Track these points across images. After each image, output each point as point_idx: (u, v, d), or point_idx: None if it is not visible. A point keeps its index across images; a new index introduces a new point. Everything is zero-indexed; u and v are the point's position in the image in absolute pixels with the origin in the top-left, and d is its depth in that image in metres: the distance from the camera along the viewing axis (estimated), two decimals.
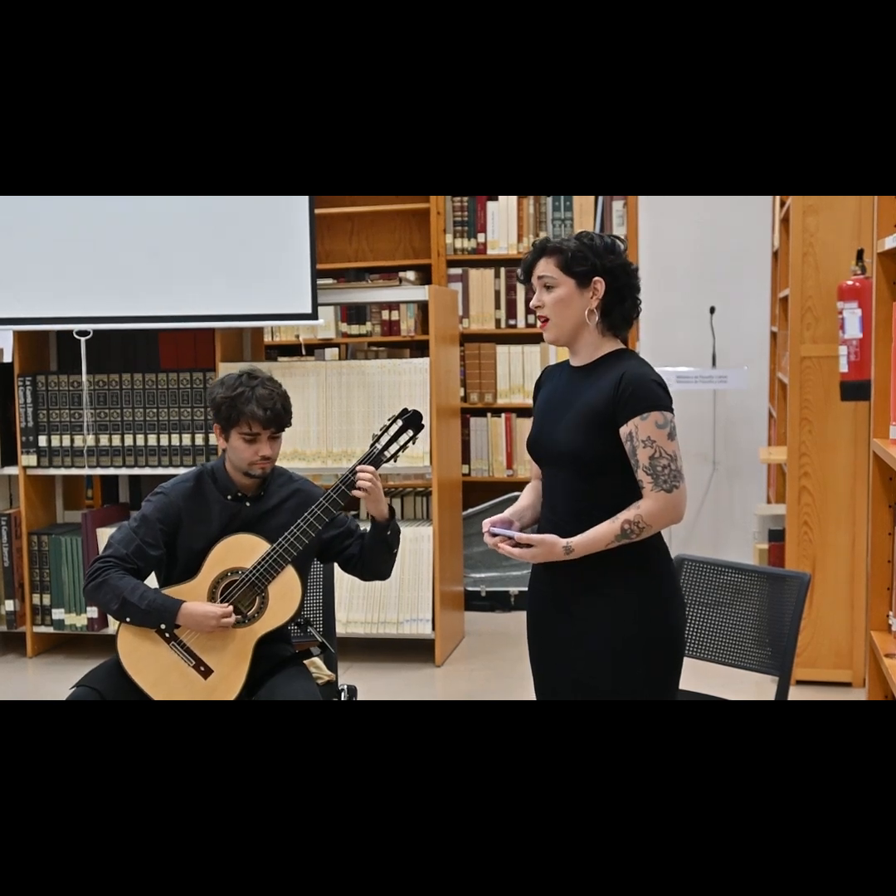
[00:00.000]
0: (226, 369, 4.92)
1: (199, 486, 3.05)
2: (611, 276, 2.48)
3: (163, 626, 2.93)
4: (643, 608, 2.47)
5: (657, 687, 2.49)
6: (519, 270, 2.60)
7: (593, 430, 2.44)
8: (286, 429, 3.06)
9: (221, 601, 2.95)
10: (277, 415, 2.99)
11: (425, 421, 3.11)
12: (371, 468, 2.99)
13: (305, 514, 2.96)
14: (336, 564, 3.22)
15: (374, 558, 3.12)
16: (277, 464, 3.11)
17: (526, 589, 2.71)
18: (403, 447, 3.05)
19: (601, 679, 2.46)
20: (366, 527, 3.14)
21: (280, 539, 2.94)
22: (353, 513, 5.01)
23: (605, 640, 2.46)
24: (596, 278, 2.48)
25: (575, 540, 2.42)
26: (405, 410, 3.06)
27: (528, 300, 5.92)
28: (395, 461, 3.07)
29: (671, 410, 2.45)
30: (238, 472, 3.04)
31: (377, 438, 3.04)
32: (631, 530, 2.41)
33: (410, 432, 3.05)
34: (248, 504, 3.05)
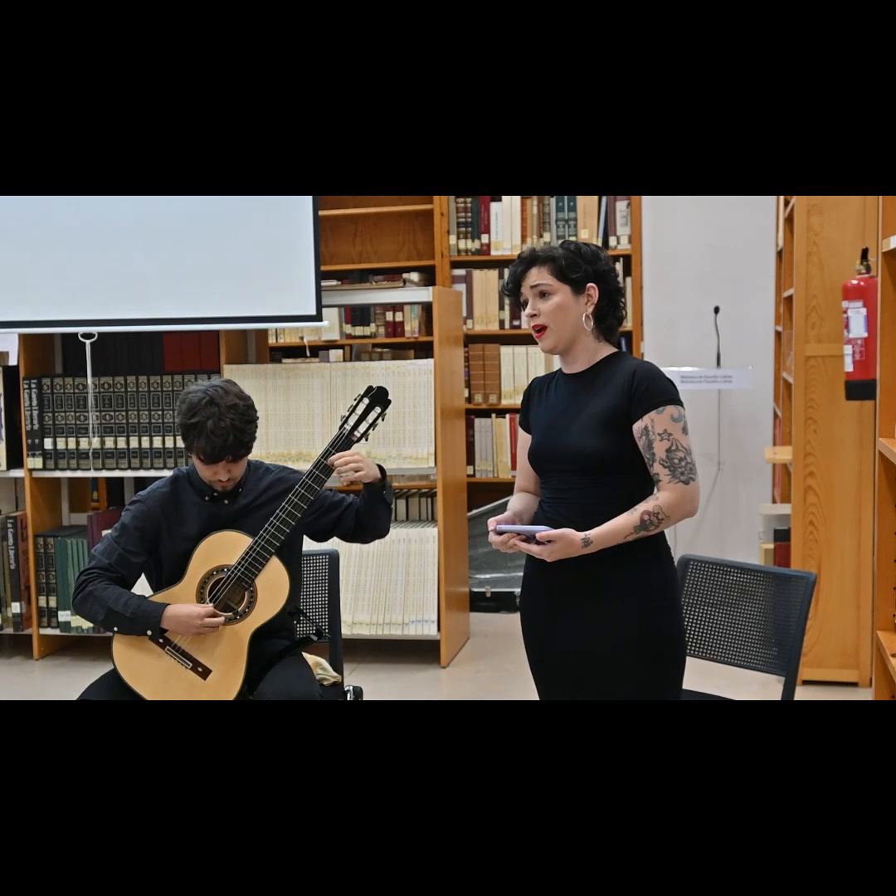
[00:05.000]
0: (230, 372, 4.93)
1: (175, 490, 3.04)
2: (602, 281, 2.52)
3: (150, 633, 2.91)
4: (645, 608, 2.47)
5: (661, 687, 2.49)
6: (505, 283, 2.59)
7: (608, 431, 2.45)
8: (247, 450, 2.97)
9: (210, 600, 2.94)
10: (227, 449, 2.89)
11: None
12: (345, 452, 2.96)
13: (283, 503, 2.93)
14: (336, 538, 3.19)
15: (374, 521, 3.09)
16: (252, 458, 3.08)
17: None
18: (373, 425, 3.03)
19: (604, 679, 2.46)
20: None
21: (261, 531, 2.92)
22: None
23: (608, 640, 2.46)
24: (589, 284, 2.51)
25: (593, 533, 2.41)
26: (371, 388, 3.04)
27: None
28: (366, 440, 3.04)
29: (683, 405, 2.47)
30: None
31: (345, 419, 3.02)
32: (650, 521, 2.42)
33: (378, 409, 3.02)
34: (226, 502, 3.03)
